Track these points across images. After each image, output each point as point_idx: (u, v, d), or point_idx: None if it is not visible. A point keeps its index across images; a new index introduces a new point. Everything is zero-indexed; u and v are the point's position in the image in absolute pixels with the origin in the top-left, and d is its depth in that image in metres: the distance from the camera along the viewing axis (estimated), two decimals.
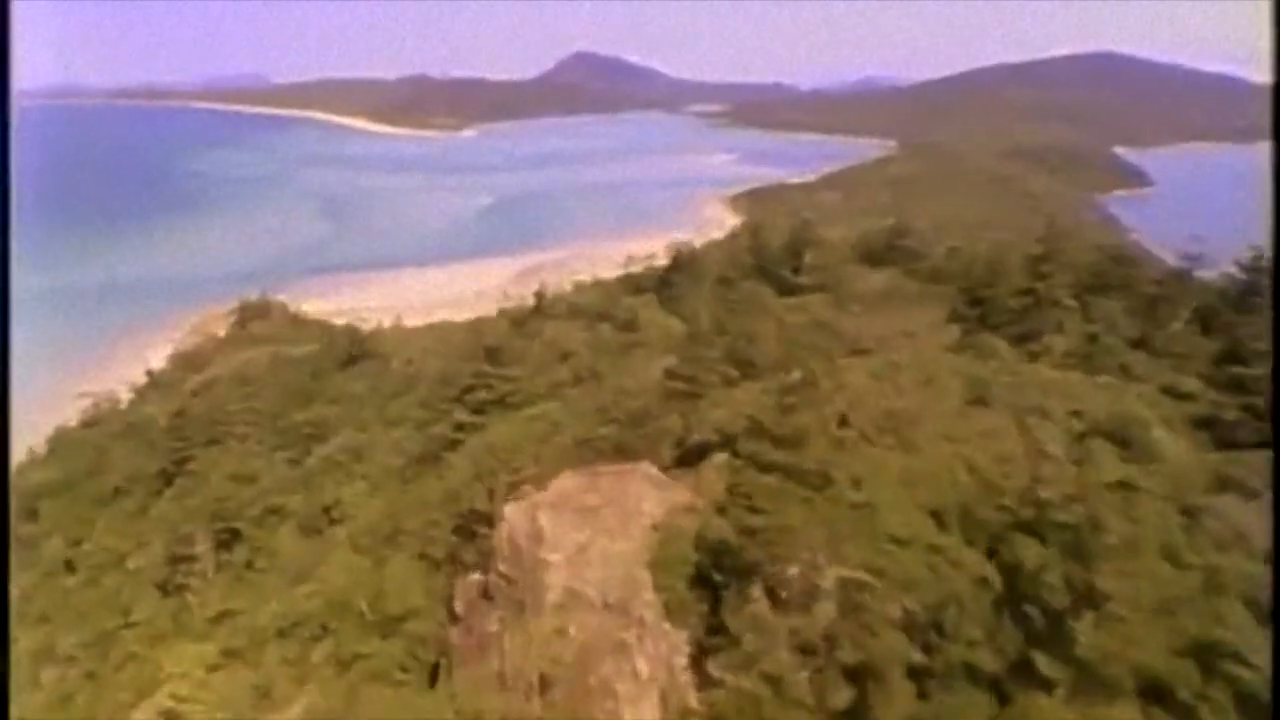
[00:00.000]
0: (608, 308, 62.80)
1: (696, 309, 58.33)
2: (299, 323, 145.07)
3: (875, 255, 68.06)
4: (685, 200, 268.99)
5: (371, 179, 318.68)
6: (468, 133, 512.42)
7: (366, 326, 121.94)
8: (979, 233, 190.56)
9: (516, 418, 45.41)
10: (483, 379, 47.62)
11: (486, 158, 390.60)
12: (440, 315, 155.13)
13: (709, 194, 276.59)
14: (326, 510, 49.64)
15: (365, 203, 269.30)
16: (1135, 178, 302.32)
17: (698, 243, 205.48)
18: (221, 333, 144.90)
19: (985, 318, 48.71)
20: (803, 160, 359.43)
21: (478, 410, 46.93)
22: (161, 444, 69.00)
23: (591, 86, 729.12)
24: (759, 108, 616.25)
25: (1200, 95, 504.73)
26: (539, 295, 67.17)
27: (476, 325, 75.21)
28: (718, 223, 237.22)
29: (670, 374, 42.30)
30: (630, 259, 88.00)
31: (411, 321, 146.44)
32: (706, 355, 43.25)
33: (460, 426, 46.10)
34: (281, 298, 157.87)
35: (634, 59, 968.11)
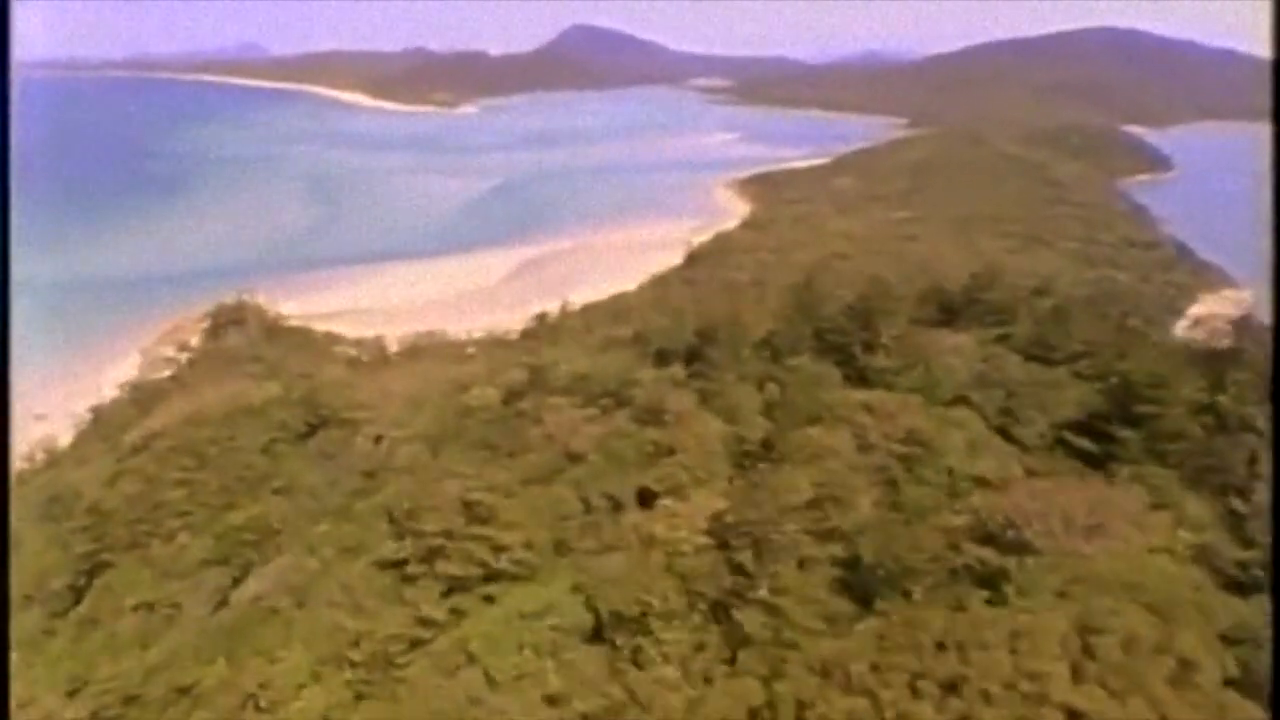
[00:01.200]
0: (623, 385, 48.61)
1: (741, 403, 44.17)
2: (275, 332, 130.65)
3: (952, 308, 53.81)
4: (691, 184, 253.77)
5: (367, 159, 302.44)
6: (466, 108, 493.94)
7: (340, 357, 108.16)
8: (1008, 227, 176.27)
9: (504, 606, 31.71)
10: (458, 541, 33.80)
11: (485, 137, 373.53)
12: (432, 320, 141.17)
13: (716, 177, 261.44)
14: (251, 698, 36.02)
15: (359, 186, 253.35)
16: (1157, 162, 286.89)
17: (708, 234, 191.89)
18: (194, 341, 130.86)
19: (1153, 447, 34.58)
20: (810, 139, 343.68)
21: (454, 587, 33.11)
22: (77, 542, 55.18)
23: (592, 60, 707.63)
24: (763, 83, 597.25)
25: (1210, 71, 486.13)
26: (534, 368, 52.22)
27: (462, 385, 60.63)
28: (726, 210, 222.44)
29: (736, 573, 28.45)
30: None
31: (398, 329, 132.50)
32: (774, 521, 29.42)
33: (424, 622, 32.34)
34: (262, 298, 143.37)
35: (633, 31, 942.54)
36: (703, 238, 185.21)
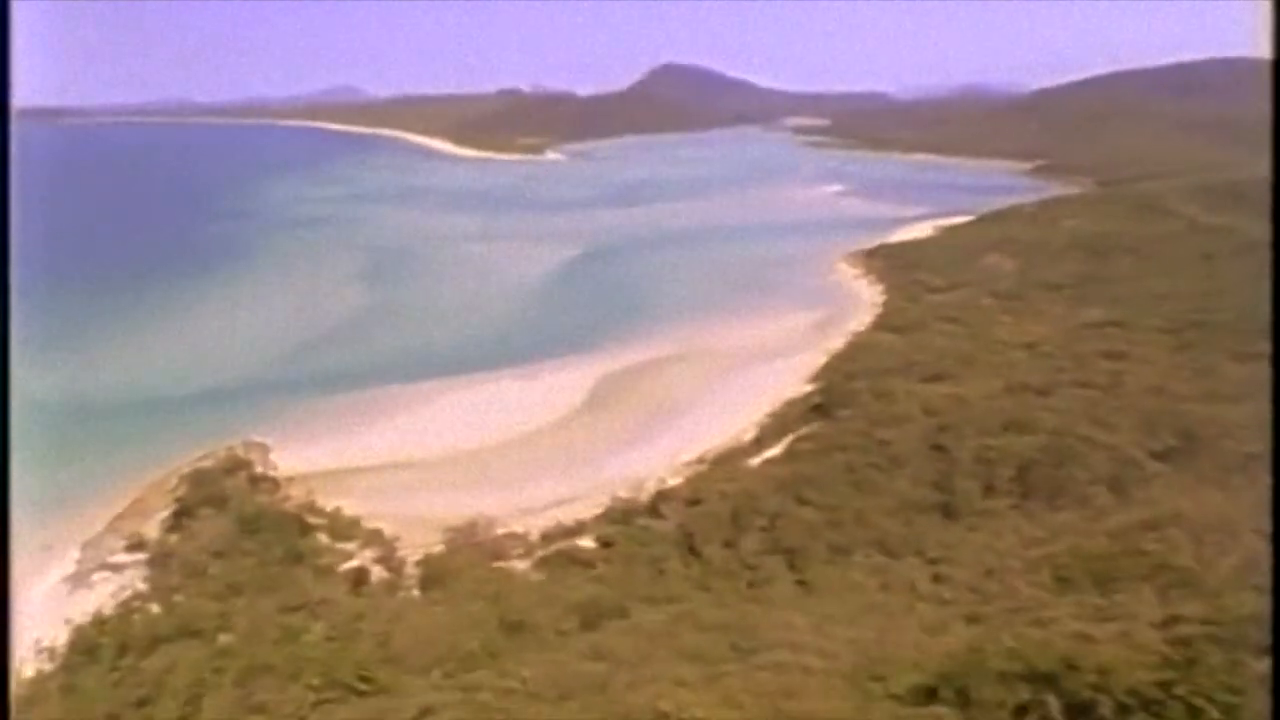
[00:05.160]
0: None
1: None
2: (263, 521, 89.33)
3: None
4: (803, 256, 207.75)
5: (440, 221, 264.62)
6: (553, 155, 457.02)
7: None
8: (1253, 345, 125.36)
9: None
10: None
11: (571, 190, 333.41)
12: (485, 481, 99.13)
13: (830, 244, 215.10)
14: None
15: (423, 260, 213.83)
16: None
17: (838, 338, 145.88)
18: (153, 532, 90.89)
19: None
20: (927, 191, 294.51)
21: None
22: None
23: (682, 100, 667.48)
24: (859, 121, 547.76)
25: None
26: None
27: None
28: (852, 295, 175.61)
29: None
30: None
31: (433, 502, 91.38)
32: None
33: None
34: (265, 441, 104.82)
35: (721, 68, 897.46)
36: (834, 344, 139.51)
